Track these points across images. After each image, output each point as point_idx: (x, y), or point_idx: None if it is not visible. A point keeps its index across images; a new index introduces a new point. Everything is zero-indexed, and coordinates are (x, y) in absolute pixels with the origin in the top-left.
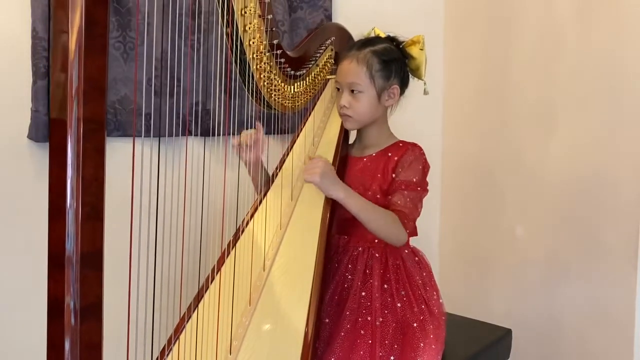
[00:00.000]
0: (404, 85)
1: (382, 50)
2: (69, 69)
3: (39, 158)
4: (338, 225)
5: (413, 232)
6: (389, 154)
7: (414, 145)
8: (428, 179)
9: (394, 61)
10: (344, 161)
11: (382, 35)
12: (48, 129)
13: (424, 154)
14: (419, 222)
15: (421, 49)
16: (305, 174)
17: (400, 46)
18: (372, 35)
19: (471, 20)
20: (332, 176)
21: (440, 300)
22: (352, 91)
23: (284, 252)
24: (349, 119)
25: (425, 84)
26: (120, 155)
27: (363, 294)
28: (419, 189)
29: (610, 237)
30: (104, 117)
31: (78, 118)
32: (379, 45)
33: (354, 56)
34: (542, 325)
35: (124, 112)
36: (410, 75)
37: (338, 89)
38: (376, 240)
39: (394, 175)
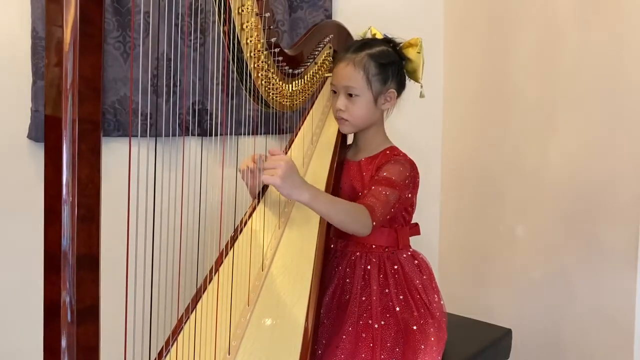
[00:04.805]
0: (401, 88)
1: (379, 54)
2: (64, 62)
3: (39, 158)
4: (337, 228)
5: (414, 230)
6: (376, 161)
7: (405, 155)
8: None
9: (391, 64)
10: (341, 163)
11: (379, 35)
12: None
13: (413, 165)
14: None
15: (418, 52)
16: (264, 173)
17: (397, 48)
18: (369, 34)
19: (471, 20)
20: (295, 177)
21: (442, 302)
22: (349, 95)
23: (282, 252)
24: (345, 122)
25: (421, 86)
26: (120, 155)
27: (363, 298)
28: (396, 189)
29: (610, 237)
30: (99, 118)
31: (73, 119)
32: (376, 48)
33: (351, 59)
34: (542, 325)
35: (123, 112)
36: (407, 78)
37: (334, 92)
38: (374, 246)
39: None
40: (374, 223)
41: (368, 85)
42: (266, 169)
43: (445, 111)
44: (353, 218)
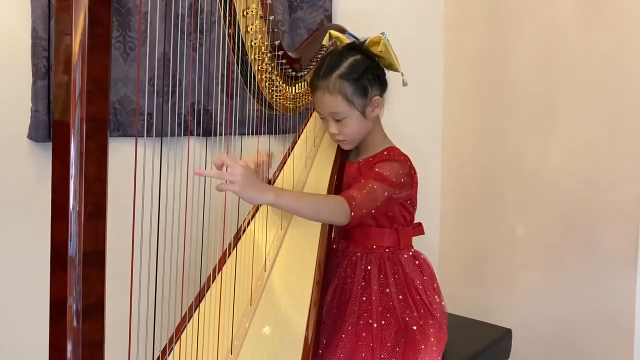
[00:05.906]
0: (383, 88)
1: (349, 70)
2: (72, 71)
3: (39, 158)
4: (338, 229)
5: (418, 229)
6: (373, 160)
7: (401, 154)
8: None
9: (365, 73)
10: (343, 165)
11: (342, 38)
12: (48, 129)
13: (410, 164)
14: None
15: (381, 50)
16: (221, 185)
17: (364, 48)
18: (330, 41)
19: (471, 20)
20: (254, 180)
21: (443, 303)
22: (337, 119)
23: (284, 253)
24: (343, 142)
25: (402, 74)
26: (120, 155)
27: (363, 298)
28: (385, 184)
29: (610, 237)
30: (106, 117)
31: (81, 117)
32: (344, 65)
33: (324, 87)
34: (542, 325)
35: (123, 112)
36: (386, 71)
37: (322, 118)
38: (374, 246)
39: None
40: (353, 213)
41: (350, 105)
42: (222, 178)
43: (445, 111)
44: (325, 208)
